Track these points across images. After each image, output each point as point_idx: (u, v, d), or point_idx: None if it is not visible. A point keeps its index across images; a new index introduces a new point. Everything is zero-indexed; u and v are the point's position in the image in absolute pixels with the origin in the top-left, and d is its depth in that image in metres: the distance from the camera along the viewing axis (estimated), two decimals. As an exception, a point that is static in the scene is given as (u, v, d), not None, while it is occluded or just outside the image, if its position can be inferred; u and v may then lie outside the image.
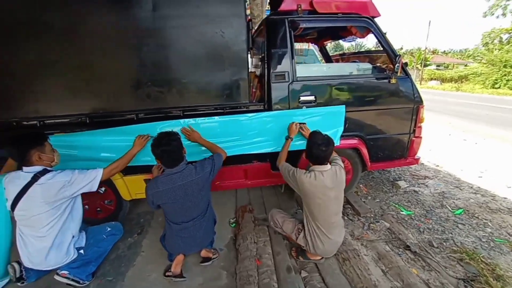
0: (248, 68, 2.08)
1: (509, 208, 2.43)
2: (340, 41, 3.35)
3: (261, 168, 2.40)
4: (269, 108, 2.21)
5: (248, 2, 4.77)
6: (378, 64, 2.70)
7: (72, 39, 1.81)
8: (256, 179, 2.46)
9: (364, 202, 2.63)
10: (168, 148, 1.63)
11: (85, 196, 2.25)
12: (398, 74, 2.23)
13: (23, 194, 1.51)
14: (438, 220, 2.32)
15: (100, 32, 1.83)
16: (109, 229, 1.93)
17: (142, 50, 1.90)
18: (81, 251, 1.74)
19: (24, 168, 1.56)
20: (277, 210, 2.17)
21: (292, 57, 2.18)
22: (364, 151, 2.40)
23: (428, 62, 27.64)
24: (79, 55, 1.85)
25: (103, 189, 2.27)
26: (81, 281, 1.74)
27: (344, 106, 2.24)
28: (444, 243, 2.03)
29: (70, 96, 1.92)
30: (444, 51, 42.27)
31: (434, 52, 34.44)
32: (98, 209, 2.35)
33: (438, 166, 3.47)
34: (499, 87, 15.95)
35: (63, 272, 1.68)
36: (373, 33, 2.30)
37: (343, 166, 1.84)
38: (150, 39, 1.88)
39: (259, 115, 2.17)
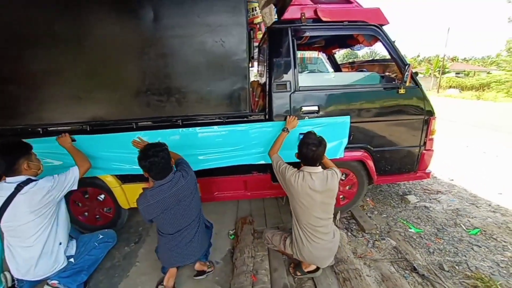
0: (249, 78, 2.04)
1: (531, 230, 2.22)
2: (350, 49, 3.27)
3: (261, 180, 2.34)
4: (270, 118, 2.16)
5: (257, 11, 4.80)
6: (387, 73, 2.59)
7: (75, 50, 1.85)
8: (256, 190, 2.40)
9: (369, 217, 2.50)
10: (156, 159, 1.59)
11: (85, 203, 2.28)
12: (407, 83, 2.12)
13: (7, 205, 1.50)
14: (450, 240, 2.15)
15: (102, 42, 1.86)
16: (101, 236, 1.91)
17: (143, 60, 1.91)
18: (71, 259, 1.72)
19: (7, 179, 1.55)
20: (268, 229, 2.17)
21: (295, 67, 2.13)
22: (370, 163, 2.29)
23: (447, 70, 26.79)
24: (82, 65, 1.88)
25: (102, 196, 2.28)
26: (71, 291, 1.71)
27: (349, 116, 2.16)
28: (457, 267, 1.86)
29: (72, 104, 1.95)
30: (465, 58, 40.95)
31: (453, 59, 33.45)
32: (97, 216, 2.35)
33: (452, 180, 3.26)
34: (525, 96, 15.14)
35: (53, 281, 1.67)
36: (380, 41, 2.21)
37: (338, 173, 1.74)
38: (151, 48, 1.89)
39: (259, 125, 2.12)
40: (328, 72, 4.49)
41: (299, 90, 2.13)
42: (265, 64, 2.60)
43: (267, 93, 2.16)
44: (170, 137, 2.05)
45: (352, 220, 2.49)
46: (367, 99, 2.18)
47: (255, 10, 4.69)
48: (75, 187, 1.72)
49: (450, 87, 22.88)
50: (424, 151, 2.37)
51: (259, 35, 3.71)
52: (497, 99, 14.66)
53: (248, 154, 2.16)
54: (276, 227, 2.40)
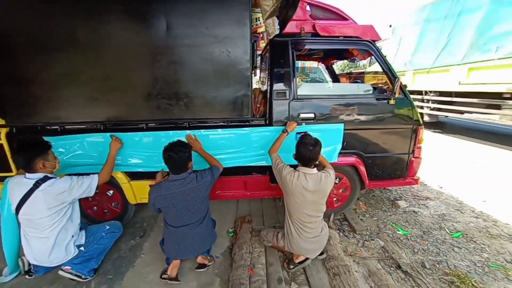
0: (251, 86, 2.20)
1: (510, 235, 2.38)
2: (348, 60, 3.46)
3: (260, 181, 2.49)
4: (270, 124, 2.32)
5: (261, 21, 5.00)
6: (380, 85, 2.78)
7: (94, 55, 2.01)
8: (255, 190, 2.54)
9: (361, 219, 2.65)
10: (174, 155, 1.77)
11: (94, 197, 2.42)
12: (396, 95, 2.30)
13: (26, 199, 1.64)
14: (434, 242, 2.31)
15: (118, 49, 2.02)
16: (108, 227, 2.07)
17: (155, 66, 2.07)
18: (82, 248, 1.88)
19: (27, 175, 1.70)
20: (265, 228, 2.37)
21: (294, 76, 2.30)
22: (362, 169, 2.45)
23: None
24: (98, 69, 2.04)
25: (111, 191, 2.43)
26: (83, 276, 1.87)
27: (343, 124, 2.33)
28: (437, 265, 2.02)
29: (88, 105, 2.11)
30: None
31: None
32: (105, 210, 2.50)
33: (441, 188, 3.43)
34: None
35: (66, 267, 1.82)
36: (373, 55, 2.40)
37: (331, 175, 1.91)
38: (162, 56, 2.05)
39: (260, 129, 2.29)
40: (326, 81, 4.68)
41: (297, 99, 2.30)
42: (266, 73, 2.78)
43: (268, 100, 2.33)
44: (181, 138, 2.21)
45: (344, 222, 2.64)
46: (359, 108, 2.35)
47: (259, 20, 4.91)
48: (91, 194, 1.86)
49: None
50: (412, 159, 2.54)
51: (262, 44, 3.91)
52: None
53: (250, 156, 2.32)
54: (273, 226, 2.55)
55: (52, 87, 2.05)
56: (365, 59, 2.63)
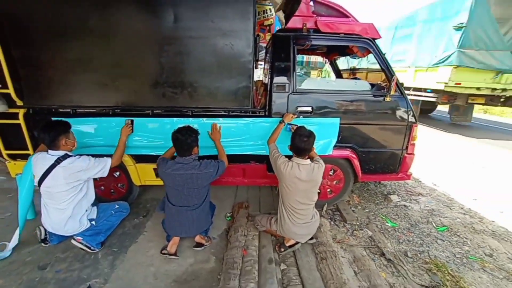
0: (253, 78, 2.30)
1: (493, 231, 2.49)
2: (350, 56, 3.52)
3: (258, 169, 2.63)
4: (269, 115, 2.43)
5: (269, 14, 5.03)
6: (378, 82, 2.85)
7: (105, 42, 2.12)
8: (252, 178, 2.68)
9: (353, 210, 2.78)
10: (181, 137, 1.92)
11: (102, 178, 2.59)
12: (392, 92, 2.38)
13: (48, 173, 1.83)
14: (419, 234, 2.43)
15: (128, 37, 2.12)
16: (117, 206, 2.25)
17: (162, 55, 2.18)
18: (93, 222, 2.06)
19: (50, 151, 1.88)
20: (260, 214, 2.57)
21: (294, 70, 2.39)
22: (356, 162, 2.56)
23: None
24: (109, 56, 2.16)
25: (117, 173, 2.59)
26: (91, 247, 2.05)
27: (338, 118, 2.43)
28: (419, 255, 2.15)
29: (98, 90, 2.24)
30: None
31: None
32: (112, 190, 2.67)
33: (435, 185, 3.53)
34: None
35: (78, 237, 2.01)
36: (372, 53, 2.47)
37: (322, 165, 2.03)
38: (169, 46, 2.15)
39: (259, 120, 2.40)
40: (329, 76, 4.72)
41: (296, 92, 2.40)
42: (268, 66, 2.87)
43: (268, 92, 2.44)
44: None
45: (336, 212, 2.77)
46: (356, 104, 2.45)
47: (266, 13, 4.94)
48: (104, 175, 2.05)
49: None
50: (406, 155, 2.64)
51: (268, 37, 3.97)
52: (504, 114, 14.16)
53: (250, 145, 2.45)
54: (268, 213, 2.70)
55: (65, 72, 2.18)
56: (364, 56, 2.70)
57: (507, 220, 2.72)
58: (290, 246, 2.15)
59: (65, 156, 1.87)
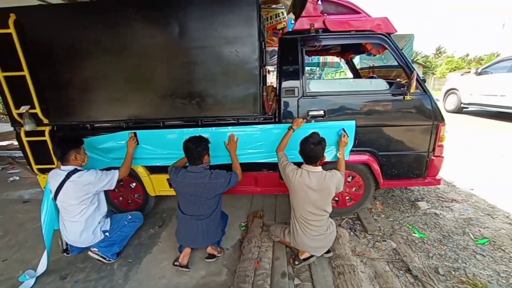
0: (261, 83, 2.24)
1: (548, 245, 2.13)
2: (365, 54, 3.32)
3: (270, 177, 2.54)
4: (279, 121, 2.35)
5: (281, 17, 4.98)
6: (398, 80, 2.64)
7: (116, 60, 2.22)
8: (265, 186, 2.60)
9: (375, 219, 2.57)
10: (191, 146, 1.95)
11: (120, 189, 2.68)
12: (411, 90, 2.17)
13: (60, 188, 1.92)
14: (453, 248, 2.15)
15: (136, 53, 2.19)
16: (130, 217, 2.30)
17: (169, 68, 2.23)
18: (107, 233, 2.11)
19: (62, 167, 1.97)
20: (275, 223, 2.47)
21: (303, 73, 2.29)
22: (376, 167, 2.37)
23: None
24: (120, 72, 2.25)
25: (134, 184, 2.66)
26: (107, 258, 2.11)
27: (354, 121, 2.27)
28: (453, 272, 1.89)
29: (112, 105, 2.34)
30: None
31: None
32: (129, 201, 2.75)
33: (472, 190, 3.14)
34: None
35: (94, 249, 2.08)
36: (387, 49, 2.29)
37: (336, 175, 1.89)
38: (176, 58, 2.19)
39: (268, 127, 2.33)
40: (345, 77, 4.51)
41: (306, 96, 2.30)
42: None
43: (277, 98, 2.36)
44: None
45: (357, 221, 2.58)
46: (372, 104, 2.27)
47: (278, 16, 4.91)
48: (111, 188, 2.11)
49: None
50: (433, 157, 2.38)
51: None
52: None
53: (259, 153, 2.38)
54: (284, 222, 2.59)
55: (82, 90, 2.31)
56: (380, 53, 2.51)
57: None
58: (305, 259, 2.02)
59: (74, 171, 1.95)
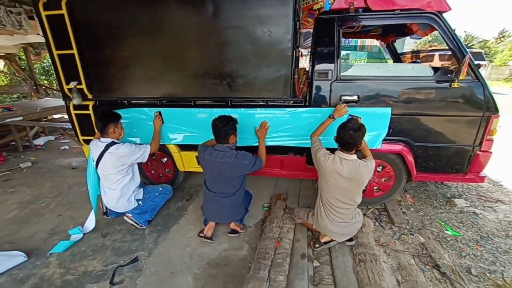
0: (292, 65, 2.19)
1: None
2: (409, 37, 3.05)
3: (296, 161, 2.53)
4: (309, 105, 2.29)
5: (318, -4, 4.71)
6: (445, 66, 2.39)
7: (153, 39, 2.30)
8: (290, 170, 2.60)
9: (403, 212, 2.45)
10: (219, 124, 2.00)
11: (152, 163, 2.87)
12: (461, 77, 1.96)
13: (100, 158, 2.12)
14: (492, 250, 1.99)
15: (172, 33, 2.25)
16: (160, 188, 2.47)
17: (203, 48, 2.25)
18: (140, 202, 2.31)
19: (101, 139, 2.16)
20: (299, 206, 2.48)
21: (338, 56, 2.18)
22: (410, 158, 2.23)
23: None
24: (156, 51, 2.33)
25: (165, 159, 2.83)
26: (139, 224, 2.32)
27: (390, 108, 2.14)
28: (488, 274, 1.76)
29: (148, 83, 2.46)
30: None
31: None
32: (160, 175, 2.94)
33: (524, 191, 2.84)
34: None
35: (128, 214, 2.29)
36: (437, 30, 2.07)
37: (372, 164, 1.81)
38: (210, 38, 2.21)
39: (298, 110, 2.29)
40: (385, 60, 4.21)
41: (340, 79, 2.20)
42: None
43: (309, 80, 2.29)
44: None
45: (384, 212, 2.49)
46: (412, 91, 2.10)
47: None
48: (144, 161, 2.28)
49: None
50: (479, 152, 2.17)
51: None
52: None
53: (287, 136, 2.36)
54: (307, 207, 2.59)
55: (121, 68, 2.45)
56: (427, 35, 2.27)
57: None
58: (326, 243, 2.03)
59: (112, 143, 2.13)
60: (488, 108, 2.05)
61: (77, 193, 3.02)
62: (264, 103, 2.36)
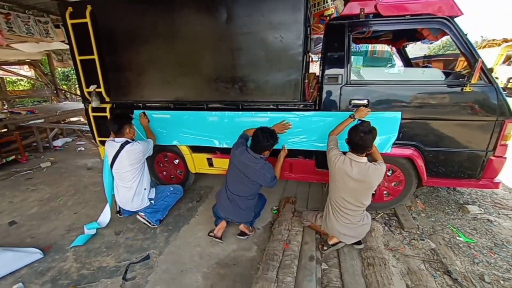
0: (303, 70, 2.24)
1: None
2: (421, 42, 3.05)
3: (306, 164, 2.55)
4: (319, 109, 2.32)
5: (328, 3, 4.78)
6: (457, 70, 2.38)
7: (168, 45, 2.40)
8: (299, 173, 2.62)
9: (413, 217, 2.42)
10: (260, 137, 2.04)
11: (164, 164, 2.95)
12: (473, 81, 1.95)
13: (116, 157, 2.21)
14: (507, 257, 1.94)
15: (187, 39, 2.35)
16: (172, 188, 2.55)
17: (216, 53, 2.34)
18: (152, 201, 2.39)
19: (116, 139, 2.26)
20: (307, 209, 2.51)
21: (348, 61, 2.21)
22: (420, 163, 2.22)
23: None
24: (170, 56, 2.44)
25: (177, 160, 2.91)
26: (151, 223, 2.39)
27: (400, 112, 2.15)
28: (502, 282, 1.71)
29: (162, 87, 2.56)
30: None
31: None
32: (172, 176, 3.02)
33: (542, 200, 2.75)
34: None
35: (141, 213, 2.37)
36: (449, 35, 2.07)
37: (381, 168, 1.81)
38: (223, 44, 2.29)
39: (308, 114, 2.32)
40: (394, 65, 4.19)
41: (350, 84, 2.22)
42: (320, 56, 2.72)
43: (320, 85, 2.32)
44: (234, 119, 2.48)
45: (393, 217, 2.47)
46: (423, 96, 2.11)
47: (326, 2, 4.70)
48: (150, 154, 2.39)
49: None
50: (492, 157, 2.14)
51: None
52: None
53: (300, 139, 2.39)
54: (316, 210, 2.60)
55: (138, 73, 2.57)
56: (438, 39, 2.27)
57: None
58: (333, 245, 2.03)
59: (126, 143, 2.23)
60: (502, 112, 2.02)
61: (92, 192, 3.14)
62: (275, 107, 2.40)
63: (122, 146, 2.21)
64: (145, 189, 2.36)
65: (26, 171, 3.85)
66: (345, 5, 2.99)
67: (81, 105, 5.64)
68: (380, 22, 2.15)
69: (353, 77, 2.24)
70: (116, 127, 2.25)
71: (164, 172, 3.01)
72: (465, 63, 2.79)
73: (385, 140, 2.23)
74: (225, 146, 2.57)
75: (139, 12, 2.37)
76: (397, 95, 2.15)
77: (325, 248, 2.05)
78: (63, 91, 7.84)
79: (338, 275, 1.84)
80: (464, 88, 2.02)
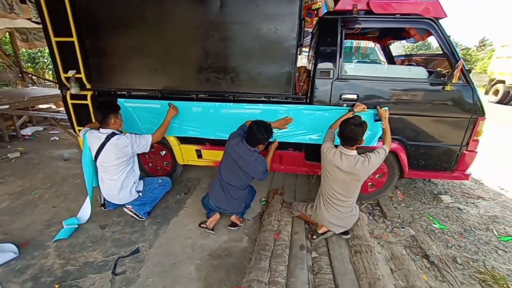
0: (296, 63, 2.25)
1: None
2: (405, 41, 3.18)
3: (295, 156, 2.60)
4: (310, 102, 2.36)
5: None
6: (438, 69, 2.53)
7: (156, 31, 2.28)
8: (289, 165, 2.67)
9: (395, 207, 2.59)
10: (255, 130, 2.01)
11: (150, 155, 2.86)
12: (454, 81, 2.10)
13: (101, 149, 2.08)
14: (474, 241, 2.16)
15: (176, 25, 2.25)
16: (160, 181, 2.48)
17: (207, 41, 2.26)
18: (140, 193, 2.31)
19: (101, 130, 2.11)
20: (296, 200, 2.58)
21: (340, 56, 2.25)
22: (403, 156, 2.36)
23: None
24: (158, 43, 2.32)
25: (163, 152, 2.83)
26: (139, 216, 2.32)
27: (387, 108, 2.24)
28: (471, 263, 1.92)
29: (150, 74, 2.44)
30: None
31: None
32: (158, 168, 2.93)
33: (502, 189, 3.06)
34: None
35: (128, 206, 2.29)
36: (433, 35, 2.19)
37: (370, 161, 1.89)
38: (214, 32, 2.22)
39: (299, 107, 2.35)
40: (380, 62, 4.36)
41: (341, 79, 2.28)
42: (313, 50, 2.75)
43: (311, 78, 2.35)
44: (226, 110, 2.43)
45: (376, 207, 2.62)
46: (408, 93, 2.22)
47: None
48: (146, 151, 2.25)
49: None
50: (465, 152, 2.33)
51: (316, 21, 3.80)
52: None
53: (290, 132, 2.42)
54: (303, 201, 2.68)
55: (122, 59, 2.42)
56: (424, 39, 2.40)
57: None
58: (322, 234, 2.12)
59: (113, 134, 2.09)
60: (476, 110, 2.19)
61: (72, 184, 2.96)
62: (267, 99, 2.40)
63: (107, 138, 2.08)
64: (134, 182, 2.27)
65: (-10, 162, 3.52)
66: (336, 0, 3.02)
67: (51, 91, 5.25)
68: (372, 19, 2.21)
69: (344, 72, 2.30)
70: (100, 117, 2.11)
71: (150, 164, 2.91)
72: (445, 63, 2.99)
73: (372, 135, 2.33)
74: (214, 138, 2.53)
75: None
76: (385, 91, 2.25)
77: (314, 237, 2.13)
78: (30, 75, 7.18)
79: (328, 263, 1.93)
80: (445, 86, 2.16)
